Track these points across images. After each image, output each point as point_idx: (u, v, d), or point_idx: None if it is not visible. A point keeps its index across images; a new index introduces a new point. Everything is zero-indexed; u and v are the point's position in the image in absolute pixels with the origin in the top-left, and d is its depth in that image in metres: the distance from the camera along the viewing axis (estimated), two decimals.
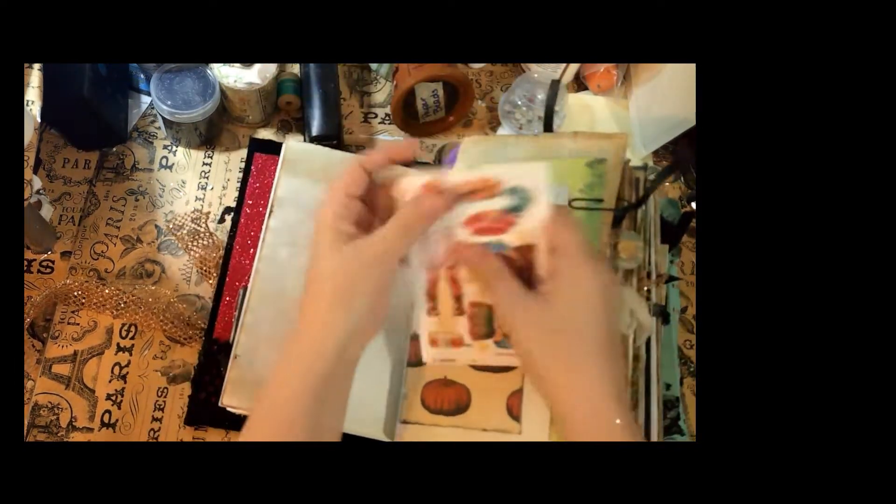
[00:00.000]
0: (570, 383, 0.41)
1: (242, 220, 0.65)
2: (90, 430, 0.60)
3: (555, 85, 0.61)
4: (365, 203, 0.46)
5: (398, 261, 0.44)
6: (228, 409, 0.54)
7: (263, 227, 0.58)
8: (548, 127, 0.61)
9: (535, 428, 0.52)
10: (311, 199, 0.59)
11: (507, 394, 0.53)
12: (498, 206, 0.44)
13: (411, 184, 0.45)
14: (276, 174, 0.60)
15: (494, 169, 0.44)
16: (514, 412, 0.53)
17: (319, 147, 0.62)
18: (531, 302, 0.42)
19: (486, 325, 0.47)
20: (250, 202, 0.66)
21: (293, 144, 0.61)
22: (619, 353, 0.43)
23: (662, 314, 0.56)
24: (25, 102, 0.56)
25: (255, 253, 0.60)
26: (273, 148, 0.68)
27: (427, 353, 0.50)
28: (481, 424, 0.53)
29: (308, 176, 0.60)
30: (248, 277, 0.59)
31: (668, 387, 0.62)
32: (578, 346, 0.41)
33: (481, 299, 0.47)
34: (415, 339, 0.56)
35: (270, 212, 0.58)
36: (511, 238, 0.45)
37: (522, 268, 0.45)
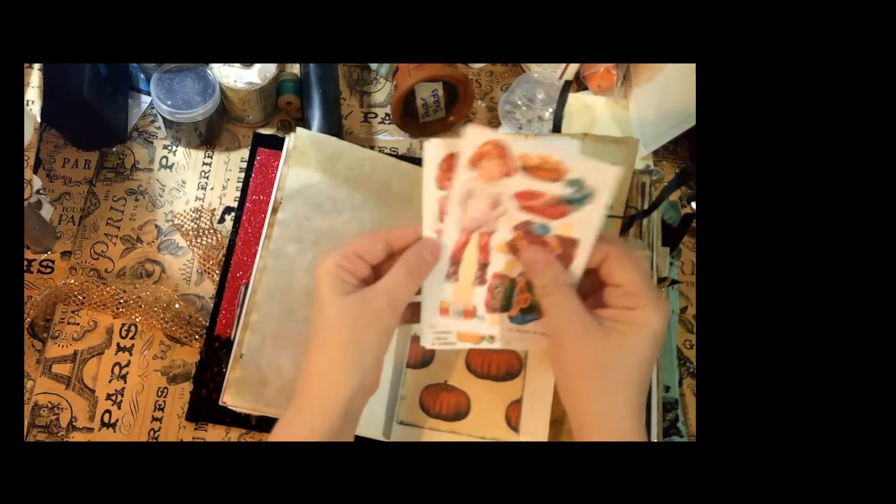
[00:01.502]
0: (608, 410, 0.40)
1: (245, 217, 0.65)
2: (90, 430, 0.60)
3: (566, 87, 0.62)
4: (373, 269, 0.44)
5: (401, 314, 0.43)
6: (230, 407, 0.54)
7: (266, 222, 0.58)
8: (556, 128, 0.62)
9: (533, 438, 0.52)
10: (318, 193, 0.59)
11: (507, 403, 0.53)
12: (556, 192, 0.42)
13: (474, 138, 0.41)
14: (281, 163, 0.60)
15: (563, 152, 0.41)
16: (512, 422, 0.53)
17: (329, 136, 0.62)
18: (591, 325, 0.40)
19: (505, 299, 0.45)
20: (253, 198, 0.66)
21: (303, 132, 0.60)
22: (648, 378, 0.43)
23: None
24: (25, 102, 0.56)
25: (257, 250, 0.60)
26: (276, 143, 0.68)
27: (430, 324, 0.45)
28: (479, 432, 0.53)
29: (316, 167, 0.59)
30: (250, 274, 0.59)
31: (667, 389, 0.62)
32: (628, 380, 0.40)
33: (507, 272, 0.44)
34: (415, 340, 0.56)
35: (276, 205, 0.58)
36: (558, 227, 0.43)
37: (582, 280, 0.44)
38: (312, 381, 0.43)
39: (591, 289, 0.44)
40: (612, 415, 0.40)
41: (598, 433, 0.40)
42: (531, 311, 0.45)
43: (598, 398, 0.40)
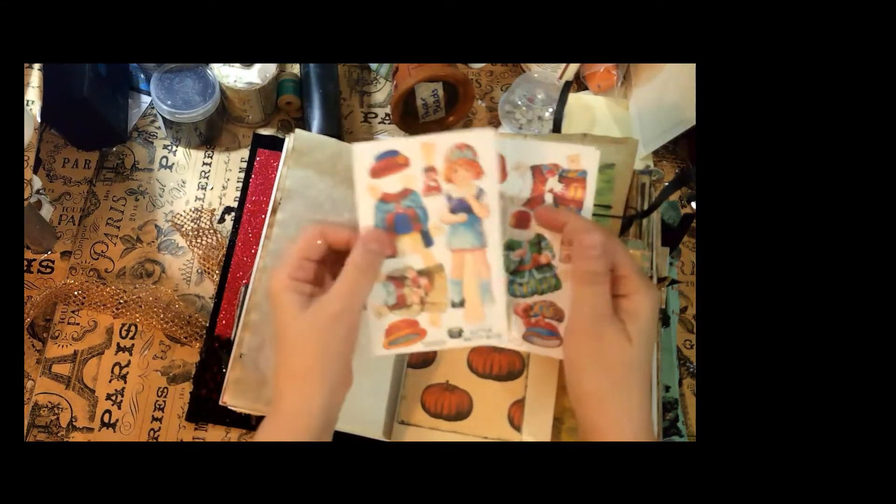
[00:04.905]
0: (620, 404, 0.41)
1: (245, 217, 0.65)
2: (90, 430, 0.60)
3: (566, 87, 0.62)
4: (320, 264, 0.45)
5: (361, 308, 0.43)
6: (229, 407, 0.54)
7: (266, 223, 0.58)
8: (557, 128, 0.62)
9: (535, 438, 0.52)
10: (318, 193, 0.59)
11: (510, 403, 0.53)
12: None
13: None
14: (281, 164, 0.60)
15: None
16: (515, 422, 0.53)
17: (328, 137, 0.62)
18: (616, 330, 0.41)
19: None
20: (253, 198, 0.66)
21: (301, 133, 0.60)
22: (651, 367, 0.44)
23: (663, 317, 0.56)
24: (25, 102, 0.56)
25: (257, 250, 0.60)
26: (276, 144, 0.68)
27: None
28: (482, 432, 0.53)
29: (315, 167, 0.59)
30: (250, 274, 0.59)
31: (667, 389, 0.62)
32: (636, 370, 0.41)
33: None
34: None
35: (276, 205, 0.58)
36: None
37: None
38: (285, 398, 0.43)
39: None
40: (623, 409, 0.41)
41: (609, 429, 0.41)
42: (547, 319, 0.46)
43: (609, 393, 0.41)
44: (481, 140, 0.42)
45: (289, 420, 0.42)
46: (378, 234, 0.43)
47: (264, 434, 0.43)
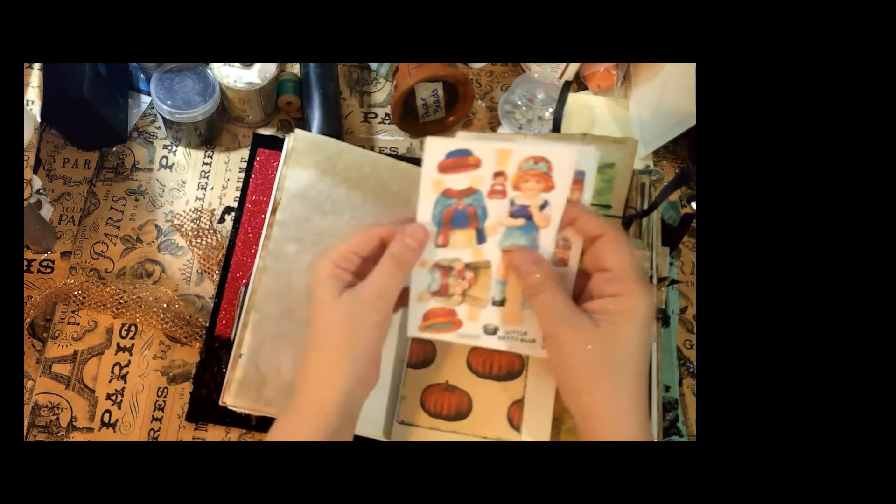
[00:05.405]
0: (615, 406, 0.40)
1: (245, 217, 0.65)
2: (90, 430, 0.60)
3: (566, 87, 0.62)
4: (366, 259, 0.45)
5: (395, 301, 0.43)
6: (229, 407, 0.54)
7: (266, 222, 0.58)
8: (556, 128, 0.62)
9: (535, 438, 0.52)
10: (318, 193, 0.59)
11: (509, 403, 0.53)
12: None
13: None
14: (281, 164, 0.60)
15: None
16: (514, 422, 0.53)
17: (328, 137, 0.62)
18: (582, 322, 0.41)
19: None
20: (253, 198, 0.66)
21: (301, 133, 0.60)
22: (646, 367, 0.43)
23: (663, 317, 0.56)
24: (25, 102, 0.56)
25: (257, 250, 0.60)
26: (276, 144, 0.68)
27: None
28: (481, 432, 0.53)
29: (315, 167, 0.59)
30: (250, 274, 0.59)
31: (667, 389, 0.62)
32: (628, 371, 0.40)
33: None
34: (415, 339, 0.56)
35: (276, 205, 0.58)
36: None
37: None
38: (308, 381, 0.43)
39: (578, 286, 0.44)
40: (618, 411, 0.40)
41: (605, 432, 0.40)
42: None
43: (601, 395, 0.40)
44: (562, 158, 0.42)
45: (306, 413, 0.42)
46: (419, 229, 0.43)
47: (278, 431, 0.43)
